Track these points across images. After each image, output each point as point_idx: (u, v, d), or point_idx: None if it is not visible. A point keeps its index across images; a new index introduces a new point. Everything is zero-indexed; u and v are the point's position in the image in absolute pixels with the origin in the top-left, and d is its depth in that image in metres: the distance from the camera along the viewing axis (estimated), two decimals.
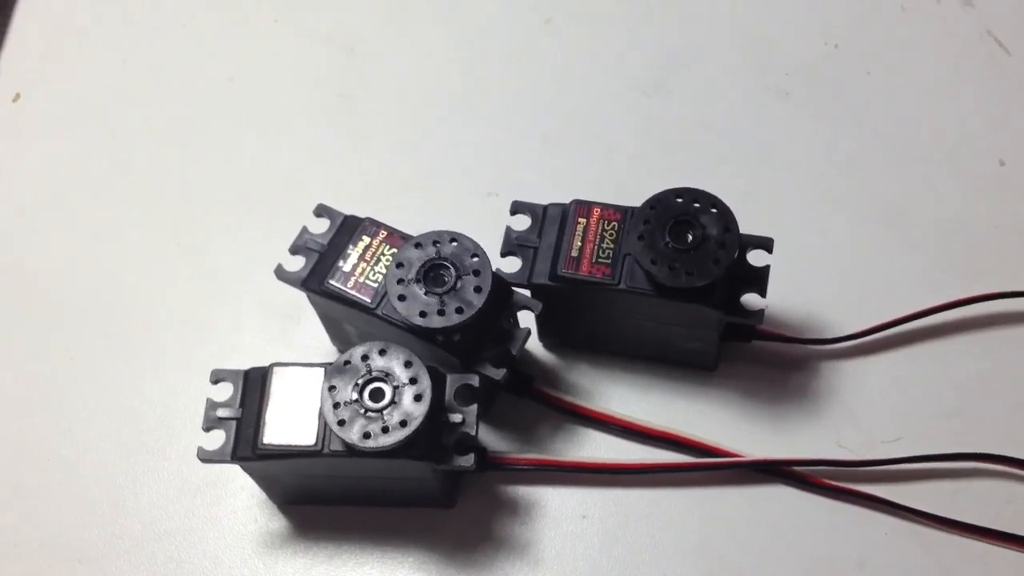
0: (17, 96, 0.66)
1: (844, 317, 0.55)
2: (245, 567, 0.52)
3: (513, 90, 0.64)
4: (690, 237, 0.48)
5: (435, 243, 0.49)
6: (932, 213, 0.59)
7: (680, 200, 0.49)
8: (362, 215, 0.52)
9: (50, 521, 0.54)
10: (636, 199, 0.51)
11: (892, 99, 0.62)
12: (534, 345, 0.56)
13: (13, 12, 0.69)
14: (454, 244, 0.49)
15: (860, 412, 0.54)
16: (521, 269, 0.51)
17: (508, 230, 0.51)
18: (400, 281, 0.48)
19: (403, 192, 0.61)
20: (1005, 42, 0.63)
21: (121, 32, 0.68)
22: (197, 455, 0.48)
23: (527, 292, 0.51)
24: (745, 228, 0.49)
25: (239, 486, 0.53)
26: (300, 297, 0.52)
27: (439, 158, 0.63)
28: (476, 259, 0.49)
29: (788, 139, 0.62)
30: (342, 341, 0.55)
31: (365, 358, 0.47)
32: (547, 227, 0.51)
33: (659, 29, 0.66)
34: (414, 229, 0.51)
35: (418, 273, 0.48)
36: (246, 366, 0.49)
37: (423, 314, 0.48)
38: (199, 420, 0.48)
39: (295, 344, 0.57)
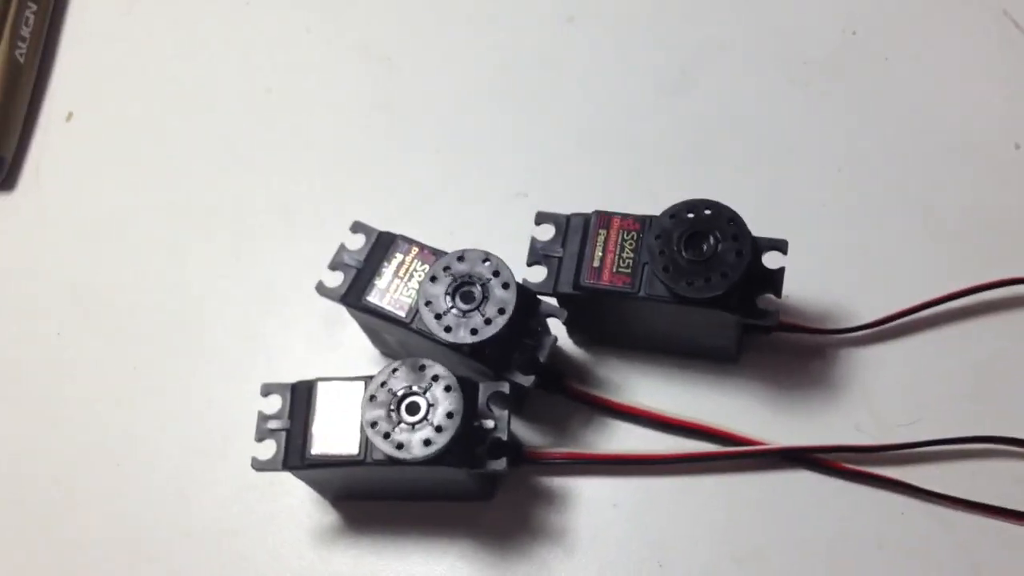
0: (70, 115, 0.70)
1: (862, 306, 0.57)
2: (302, 560, 0.56)
3: (538, 95, 0.66)
4: (704, 248, 0.50)
5: (452, 265, 0.52)
6: (948, 199, 0.60)
7: (693, 213, 0.51)
8: (398, 219, 0.55)
9: (119, 522, 0.58)
10: (662, 195, 0.53)
11: (910, 84, 0.63)
12: (564, 342, 0.58)
13: (62, 31, 0.73)
14: (477, 263, 0.52)
15: (878, 398, 0.56)
16: (547, 279, 0.53)
17: (533, 241, 0.54)
18: (429, 303, 0.51)
19: (437, 195, 0.64)
20: (1022, 22, 0.64)
21: (166, 49, 0.71)
22: (251, 465, 0.51)
23: (553, 300, 0.54)
24: (767, 218, 0.52)
25: (293, 485, 0.57)
26: (341, 307, 0.56)
27: (469, 161, 0.65)
28: (488, 263, 0.52)
29: (807, 128, 0.63)
30: (383, 347, 0.59)
31: (392, 374, 0.50)
32: (570, 236, 0.53)
33: (678, 25, 0.67)
34: (448, 231, 0.54)
35: (447, 293, 0.51)
36: (298, 371, 0.53)
37: (448, 329, 0.51)
38: (253, 424, 0.52)
39: (342, 349, 0.61)
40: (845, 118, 0.63)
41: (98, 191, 0.68)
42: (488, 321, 0.51)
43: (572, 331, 0.58)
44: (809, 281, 0.57)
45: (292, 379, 0.53)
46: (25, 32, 0.71)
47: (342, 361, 0.60)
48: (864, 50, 0.65)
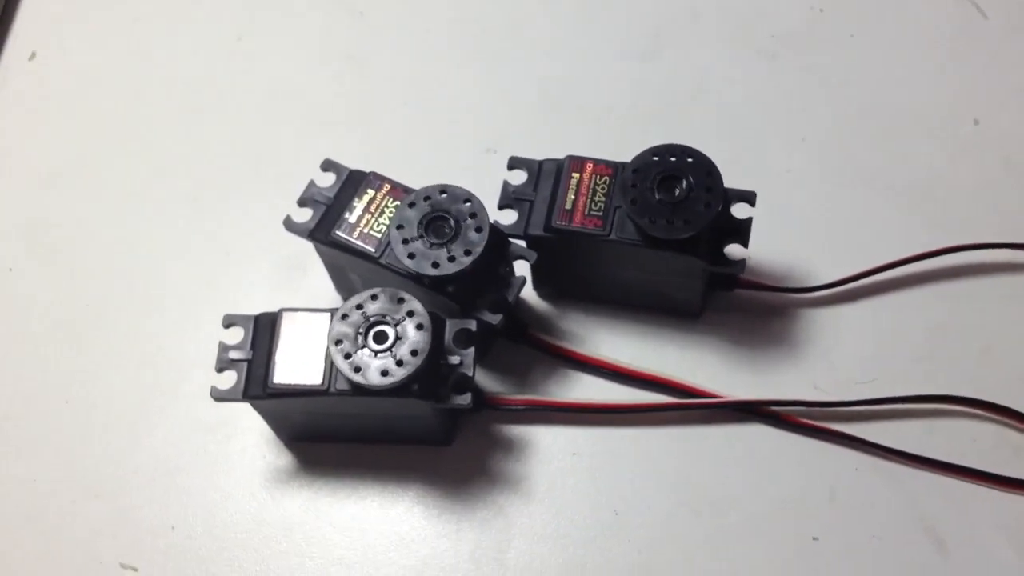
0: (33, 55, 0.69)
1: (821, 267, 0.58)
2: (253, 500, 0.56)
3: (511, 53, 0.67)
4: (677, 191, 0.51)
5: (433, 196, 0.52)
6: (908, 170, 0.61)
7: (669, 156, 0.52)
8: (367, 170, 0.55)
9: (67, 459, 0.57)
10: (627, 156, 0.54)
11: (873, 61, 0.65)
12: (529, 293, 0.59)
13: None
14: (462, 203, 0.52)
15: (835, 356, 0.57)
16: (517, 221, 0.53)
17: (505, 184, 0.54)
18: (401, 225, 0.51)
19: (406, 149, 0.64)
20: (982, 5, 0.66)
21: None
22: (210, 394, 0.51)
23: (523, 243, 0.54)
24: (730, 183, 0.52)
25: (247, 426, 0.57)
26: (306, 248, 0.55)
27: (440, 116, 0.65)
28: (468, 204, 0.51)
29: (773, 99, 0.64)
30: (347, 290, 0.58)
31: (371, 300, 0.50)
32: (542, 181, 0.54)
33: None
34: (417, 184, 0.53)
35: (420, 224, 0.51)
36: (255, 311, 0.52)
37: (411, 256, 0.51)
38: (210, 364, 0.51)
39: (301, 292, 0.60)
40: (810, 91, 0.64)
41: (58, 131, 0.66)
42: (452, 259, 0.51)
43: (537, 283, 0.58)
44: (771, 243, 0.58)
45: None
46: None
47: (304, 304, 0.59)
48: (830, 26, 0.66)
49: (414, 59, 0.67)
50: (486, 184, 0.54)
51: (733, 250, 0.52)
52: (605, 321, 0.58)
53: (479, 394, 0.55)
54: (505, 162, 0.55)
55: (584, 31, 0.67)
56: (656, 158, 0.52)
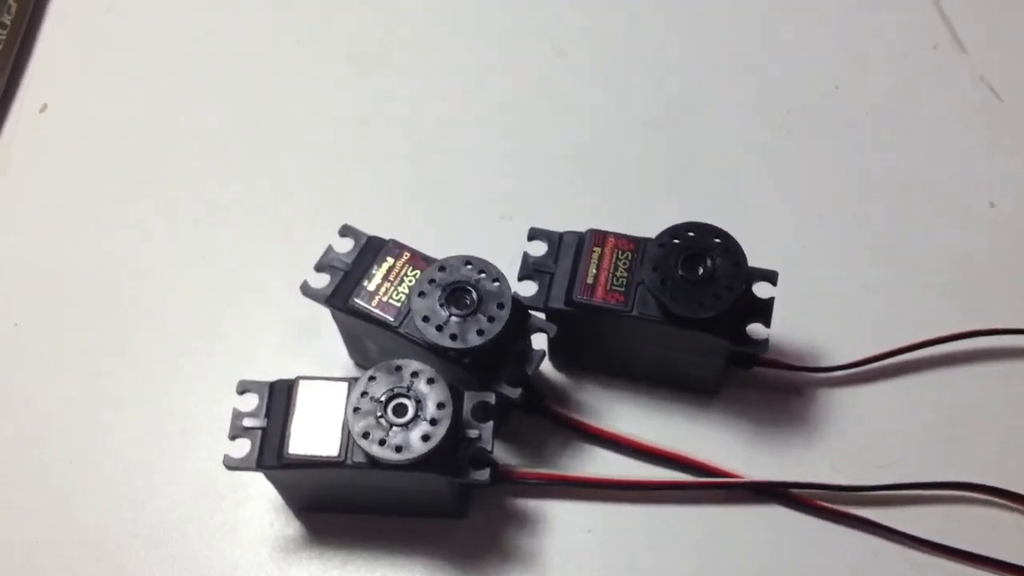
0: (44, 107, 0.68)
1: (841, 347, 0.58)
2: (260, 570, 0.54)
3: (527, 119, 0.67)
4: (701, 270, 0.51)
5: (459, 267, 0.51)
6: (926, 251, 0.61)
7: (693, 234, 0.51)
8: (384, 236, 0.54)
9: (70, 518, 0.56)
10: (643, 227, 0.53)
11: (890, 139, 0.65)
12: (545, 365, 0.58)
13: (43, 21, 0.72)
14: (481, 274, 0.51)
15: (854, 438, 0.56)
16: (537, 293, 0.53)
17: (526, 256, 0.54)
18: (422, 294, 0.51)
19: (422, 214, 0.64)
20: (997, 88, 0.66)
21: (147, 48, 0.70)
22: (223, 463, 0.50)
23: (542, 315, 0.53)
24: (748, 258, 0.52)
25: (257, 492, 0.55)
26: (319, 312, 0.54)
27: (456, 182, 0.65)
28: (497, 284, 0.51)
29: (790, 175, 0.64)
30: (362, 356, 0.58)
31: (390, 371, 0.49)
32: (563, 253, 0.53)
33: (668, 65, 0.68)
34: (432, 250, 0.53)
35: (441, 295, 0.51)
36: (265, 377, 0.51)
37: (446, 334, 0.50)
38: (217, 427, 0.50)
39: (313, 357, 0.59)
40: (827, 167, 0.65)
41: (68, 183, 0.66)
42: (475, 332, 0.50)
43: (554, 355, 0.58)
44: (790, 320, 0.58)
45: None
46: (6, 19, 0.69)
47: (315, 370, 0.58)
48: (846, 103, 0.67)
49: (428, 123, 0.67)
50: (500, 251, 0.54)
51: (755, 329, 0.52)
52: (622, 395, 0.57)
53: (494, 467, 0.54)
54: (520, 229, 0.55)
55: (599, 100, 0.68)
56: (680, 236, 0.51)
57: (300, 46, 0.70)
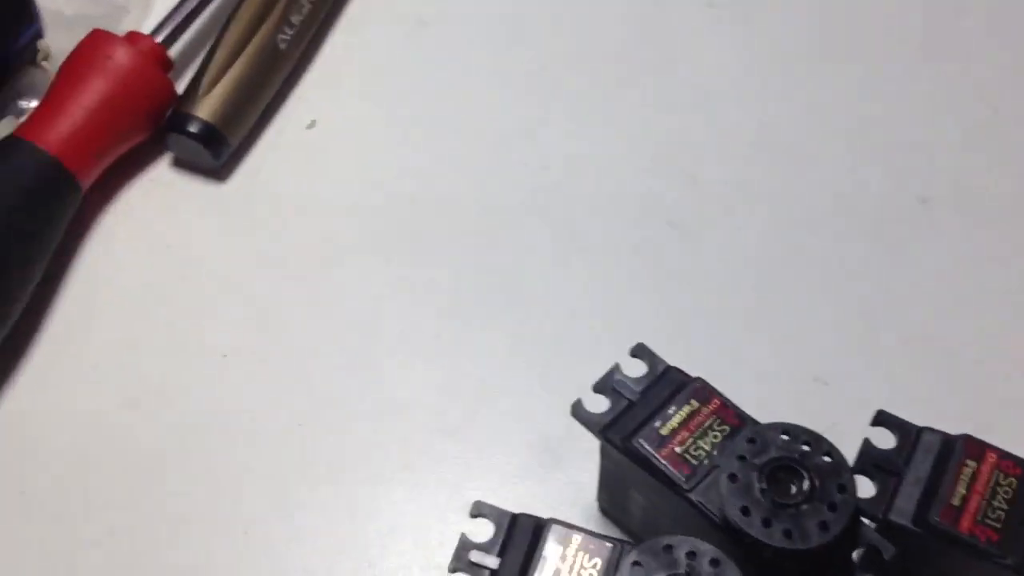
0: (313, 123, 0.61)
1: None
2: None
3: (832, 276, 0.55)
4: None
5: (775, 438, 0.39)
6: None
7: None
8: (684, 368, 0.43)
9: None
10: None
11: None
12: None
13: (331, 32, 0.65)
14: (805, 447, 0.39)
15: None
16: (877, 497, 0.41)
17: (867, 443, 0.41)
18: (735, 477, 0.38)
19: (730, 353, 0.53)
20: None
21: (439, 81, 0.62)
22: None
23: (872, 524, 0.41)
24: None
25: None
26: (574, 437, 0.43)
27: (773, 327, 0.54)
28: (830, 460, 0.39)
29: None
30: (615, 506, 0.46)
31: (660, 551, 0.37)
32: (919, 455, 0.41)
33: None
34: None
35: (763, 470, 0.39)
36: (485, 496, 0.41)
37: (778, 530, 0.37)
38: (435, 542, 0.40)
39: (548, 487, 0.48)
40: None
41: (313, 210, 0.57)
42: (833, 507, 0.37)
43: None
44: None
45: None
46: (295, 19, 0.62)
47: (546, 503, 0.47)
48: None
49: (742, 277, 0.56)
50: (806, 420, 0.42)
51: None
52: None
53: None
54: (832, 394, 0.45)
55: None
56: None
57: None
